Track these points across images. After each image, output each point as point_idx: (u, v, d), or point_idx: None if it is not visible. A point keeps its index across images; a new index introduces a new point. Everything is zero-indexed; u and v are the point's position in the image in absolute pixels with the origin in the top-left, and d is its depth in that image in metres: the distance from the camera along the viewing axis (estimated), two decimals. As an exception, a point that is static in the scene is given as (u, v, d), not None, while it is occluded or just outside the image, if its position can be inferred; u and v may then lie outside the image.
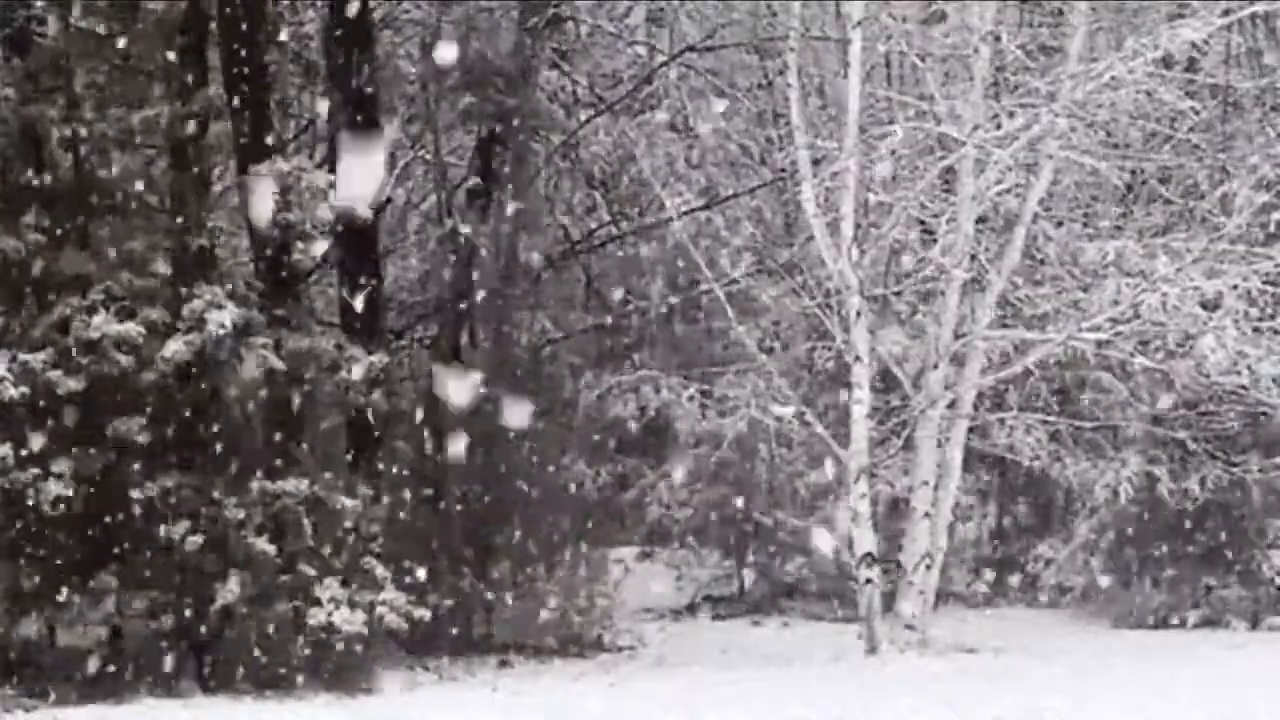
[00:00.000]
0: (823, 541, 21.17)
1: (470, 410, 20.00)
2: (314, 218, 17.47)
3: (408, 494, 19.29)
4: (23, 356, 16.00)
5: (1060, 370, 21.87)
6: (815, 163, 19.15)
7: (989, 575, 25.37)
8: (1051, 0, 20.55)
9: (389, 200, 22.25)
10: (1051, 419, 21.53)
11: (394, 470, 19.24)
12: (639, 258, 24.70)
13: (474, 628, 19.38)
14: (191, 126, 17.16)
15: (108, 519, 16.47)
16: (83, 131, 16.88)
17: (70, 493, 16.02)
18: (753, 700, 15.82)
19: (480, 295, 20.58)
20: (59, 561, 16.30)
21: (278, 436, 17.45)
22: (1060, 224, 20.89)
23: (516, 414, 19.59)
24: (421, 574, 17.90)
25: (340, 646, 16.59)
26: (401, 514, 18.72)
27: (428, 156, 22.69)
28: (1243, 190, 19.63)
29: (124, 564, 16.42)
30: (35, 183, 16.85)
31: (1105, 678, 17.33)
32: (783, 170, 21.77)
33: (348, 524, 17.07)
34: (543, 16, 21.20)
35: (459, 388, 19.26)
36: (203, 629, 16.52)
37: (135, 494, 16.28)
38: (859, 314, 18.93)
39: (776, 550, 24.16)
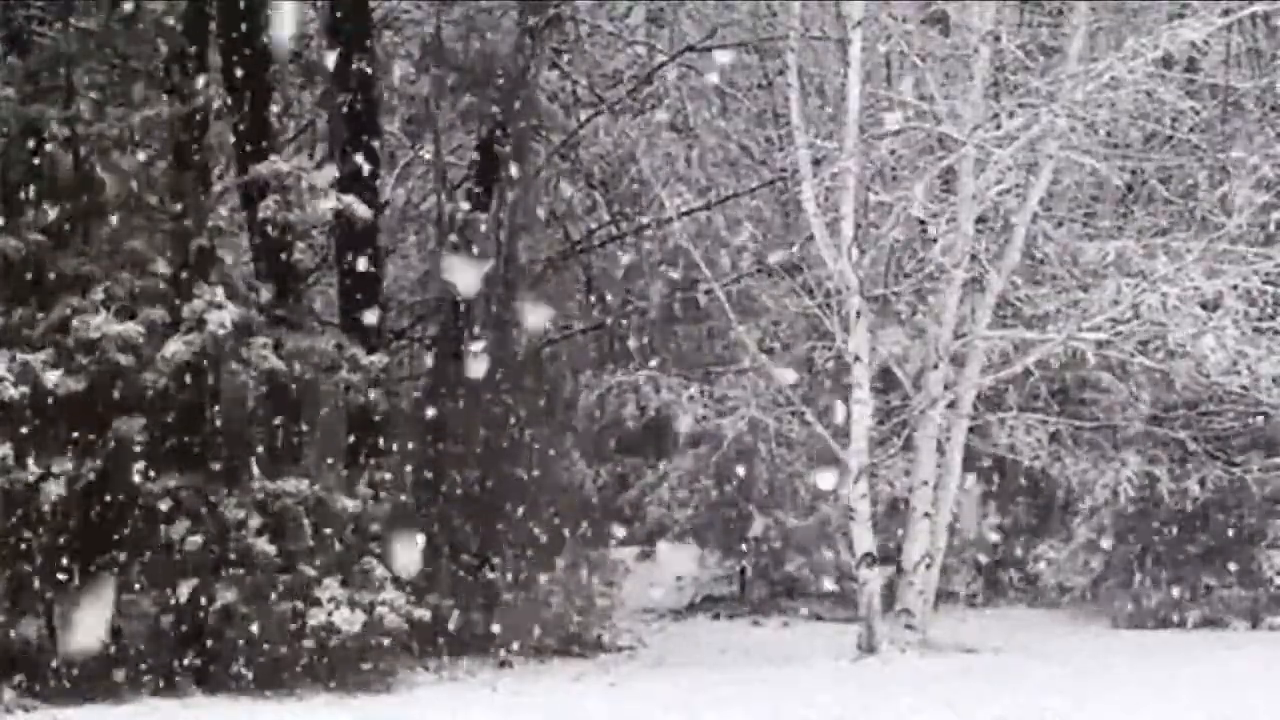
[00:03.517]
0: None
1: (470, 410, 20.03)
2: (314, 218, 17.49)
3: (408, 494, 19.30)
4: (23, 356, 15.98)
5: (1060, 370, 21.88)
6: (815, 163, 19.15)
7: (989, 575, 25.39)
8: (1051, 0, 20.57)
9: (389, 200, 22.25)
10: (1051, 419, 21.53)
11: (394, 470, 19.22)
12: (639, 258, 24.71)
13: (474, 628, 19.36)
14: (191, 126, 17.17)
15: (108, 519, 16.47)
16: (82, 131, 16.87)
17: (70, 493, 16.03)
18: (753, 700, 15.82)
19: (480, 295, 20.57)
20: (59, 562, 16.29)
21: (278, 436, 17.45)
22: (1060, 224, 20.91)
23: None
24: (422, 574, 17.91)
25: (340, 646, 16.58)
26: (401, 513, 18.71)
27: (428, 156, 22.69)
28: (1243, 190, 19.64)
29: (124, 564, 16.41)
30: (35, 183, 16.84)
31: (1105, 678, 17.33)
32: (783, 170, 21.77)
33: (348, 524, 17.07)
34: (543, 16, 21.19)
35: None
36: (203, 629, 16.52)
37: (135, 494, 16.30)
38: (859, 314, 18.94)
39: (776, 550, 24.15)
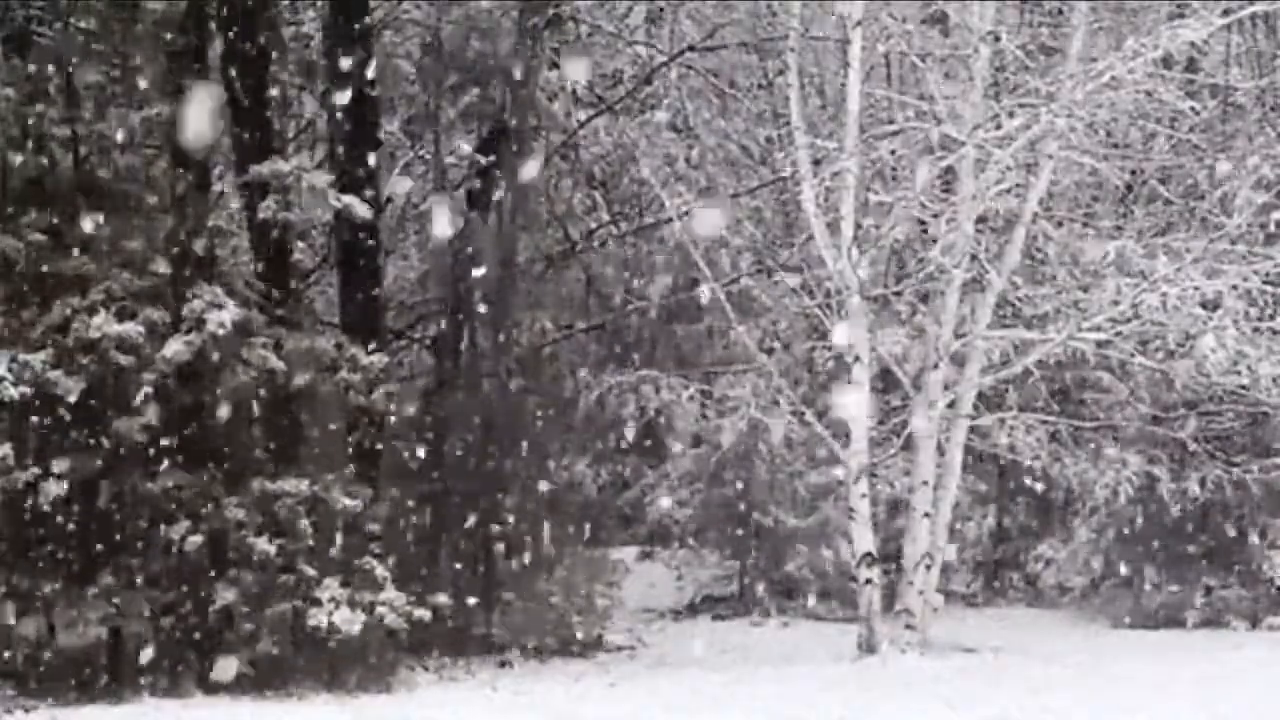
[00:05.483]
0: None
1: (470, 410, 20.03)
2: (314, 218, 17.48)
3: (408, 494, 19.31)
4: (23, 356, 15.99)
5: (1060, 370, 21.87)
6: (815, 163, 19.15)
7: (989, 575, 25.40)
8: (1051, 0, 20.57)
9: (389, 200, 22.26)
10: (1051, 419, 21.54)
11: (394, 470, 19.24)
12: (639, 258, 24.70)
13: (474, 628, 19.37)
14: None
15: (108, 519, 16.47)
16: (83, 131, 16.87)
17: (70, 493, 16.03)
18: (753, 700, 15.82)
19: (480, 295, 20.57)
20: (59, 561, 16.29)
21: (278, 437, 17.44)
22: (1060, 224, 20.89)
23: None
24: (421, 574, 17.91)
25: (340, 646, 16.58)
26: (401, 514, 18.71)
27: (427, 156, 22.68)
28: (1243, 190, 19.64)
29: (124, 564, 16.41)
30: (35, 183, 16.84)
31: (1105, 677, 17.34)
32: (783, 170, 21.76)
33: (348, 524, 17.07)
34: (543, 16, 21.19)
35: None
36: (202, 629, 16.51)
37: (135, 494, 16.30)
38: (859, 314, 18.92)
39: (776, 550, 24.14)
